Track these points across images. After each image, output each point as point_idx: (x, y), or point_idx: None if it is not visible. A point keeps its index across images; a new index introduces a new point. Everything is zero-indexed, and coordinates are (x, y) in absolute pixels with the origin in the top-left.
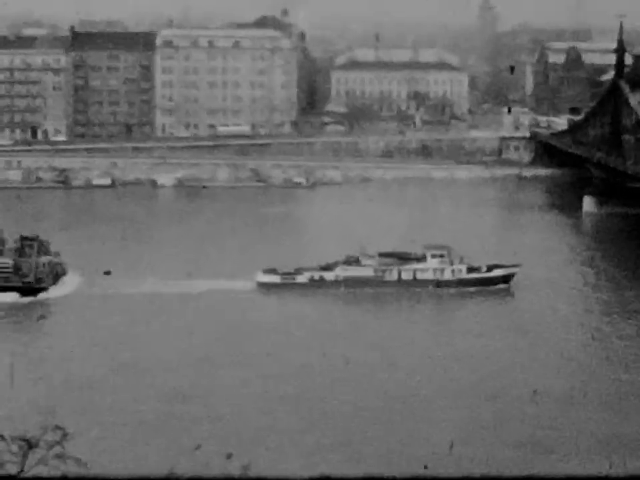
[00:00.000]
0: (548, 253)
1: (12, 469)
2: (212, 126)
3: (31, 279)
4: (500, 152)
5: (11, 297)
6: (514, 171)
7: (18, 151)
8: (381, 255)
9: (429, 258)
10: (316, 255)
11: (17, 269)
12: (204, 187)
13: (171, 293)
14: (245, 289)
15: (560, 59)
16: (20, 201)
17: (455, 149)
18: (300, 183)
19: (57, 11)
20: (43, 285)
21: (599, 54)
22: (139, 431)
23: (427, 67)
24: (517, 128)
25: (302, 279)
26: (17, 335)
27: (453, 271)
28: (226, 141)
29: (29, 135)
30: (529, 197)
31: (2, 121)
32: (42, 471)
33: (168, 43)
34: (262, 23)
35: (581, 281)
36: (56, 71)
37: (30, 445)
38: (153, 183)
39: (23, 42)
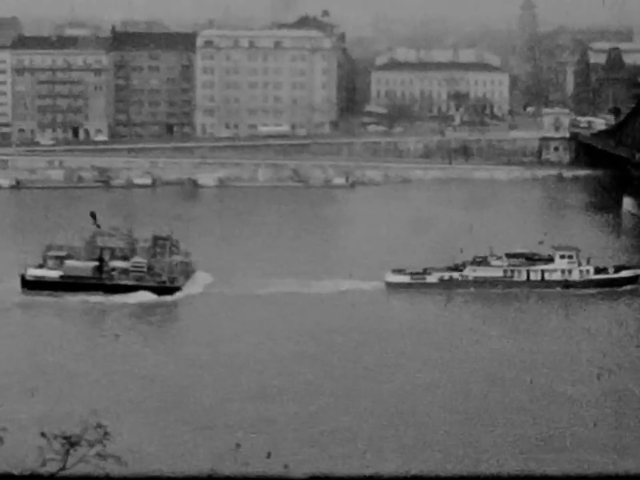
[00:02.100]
0: (616, 253)
1: (54, 467)
2: (252, 126)
3: (164, 278)
4: (540, 153)
5: (145, 297)
6: (554, 171)
7: (60, 150)
8: (509, 255)
9: (557, 259)
10: (392, 257)
11: (150, 268)
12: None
13: (301, 293)
14: (374, 289)
15: (601, 59)
16: (72, 200)
17: (495, 149)
18: (340, 184)
19: (98, 11)
20: (176, 285)
21: None
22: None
23: (467, 67)
24: (557, 128)
25: (431, 279)
26: (150, 335)
27: (581, 272)
28: (266, 141)
29: (70, 134)
30: (569, 198)
31: (44, 120)
32: (83, 469)
33: (209, 43)
34: (302, 23)
35: None
36: (97, 71)
37: (71, 443)
38: (194, 183)
39: (64, 42)
